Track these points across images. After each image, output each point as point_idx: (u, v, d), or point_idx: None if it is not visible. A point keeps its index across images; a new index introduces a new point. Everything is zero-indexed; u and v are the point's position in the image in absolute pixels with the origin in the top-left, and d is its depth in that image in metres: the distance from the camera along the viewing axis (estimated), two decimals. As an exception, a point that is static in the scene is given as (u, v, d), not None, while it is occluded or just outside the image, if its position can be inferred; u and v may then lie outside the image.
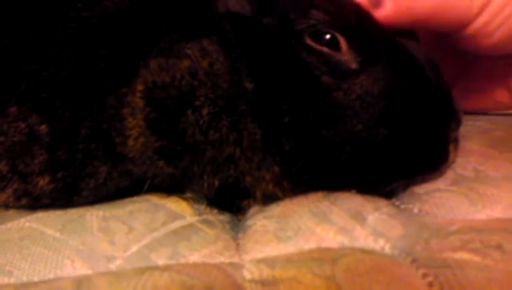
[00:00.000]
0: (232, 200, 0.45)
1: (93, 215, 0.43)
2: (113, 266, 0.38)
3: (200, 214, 0.44)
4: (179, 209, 0.44)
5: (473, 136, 0.49)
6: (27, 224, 0.43)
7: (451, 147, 0.44)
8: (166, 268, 0.37)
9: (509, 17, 0.47)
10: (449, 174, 0.44)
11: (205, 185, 0.44)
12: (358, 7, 0.45)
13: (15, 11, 0.45)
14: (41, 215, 0.44)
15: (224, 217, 0.45)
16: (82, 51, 0.44)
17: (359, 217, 0.39)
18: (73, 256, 0.39)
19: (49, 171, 0.44)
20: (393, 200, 0.43)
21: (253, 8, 0.46)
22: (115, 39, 0.44)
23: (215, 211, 0.45)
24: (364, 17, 0.45)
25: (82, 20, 0.45)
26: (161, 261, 0.38)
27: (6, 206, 0.46)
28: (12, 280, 0.38)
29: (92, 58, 0.44)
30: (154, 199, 0.45)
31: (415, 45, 0.46)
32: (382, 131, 0.42)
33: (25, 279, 0.38)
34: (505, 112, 0.60)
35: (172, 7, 0.46)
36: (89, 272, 0.38)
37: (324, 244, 0.38)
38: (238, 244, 0.41)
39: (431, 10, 0.46)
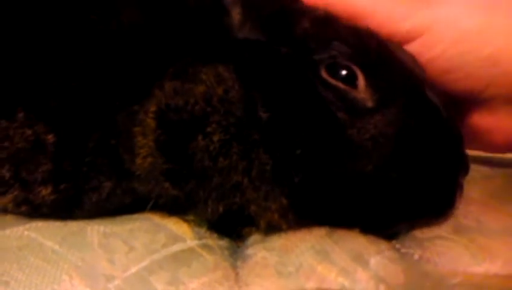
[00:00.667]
0: (234, 226, 0.45)
1: (94, 231, 0.42)
2: (111, 286, 0.38)
3: (200, 238, 0.44)
4: (179, 232, 0.44)
5: (474, 183, 0.49)
6: (26, 233, 0.42)
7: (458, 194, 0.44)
8: (167, 296, 0.37)
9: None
10: (451, 221, 0.44)
11: (209, 210, 0.44)
12: (380, 42, 0.45)
13: (29, 18, 0.45)
14: (40, 224, 0.43)
15: (224, 243, 0.45)
16: (94, 64, 0.44)
17: (361, 260, 0.40)
18: (72, 272, 0.39)
19: (52, 182, 0.44)
20: (394, 242, 0.44)
21: (269, 35, 0.46)
22: (128, 56, 0.44)
23: (215, 235, 0.45)
24: (385, 54, 0.45)
25: (96, 34, 0.44)
26: (160, 286, 0.38)
27: (5, 211, 0.45)
28: (8, 292, 0.37)
29: (104, 73, 0.44)
30: (156, 219, 0.45)
31: (432, 87, 0.46)
32: (392, 173, 0.42)
33: (21, 291, 0.37)
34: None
35: (189, 29, 0.46)
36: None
37: (325, 285, 0.38)
38: (237, 274, 0.41)
39: None
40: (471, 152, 0.47)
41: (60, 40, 0.44)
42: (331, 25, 0.46)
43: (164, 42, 0.45)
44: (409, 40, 0.50)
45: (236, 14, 0.46)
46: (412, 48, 0.50)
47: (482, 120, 0.54)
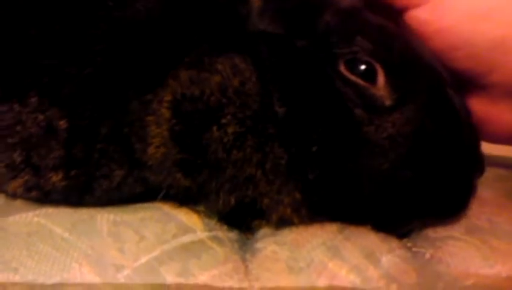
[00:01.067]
0: (244, 219, 0.45)
1: (104, 219, 0.42)
2: (121, 276, 0.38)
3: (210, 230, 0.44)
4: (190, 223, 0.43)
5: (487, 184, 0.49)
6: (35, 219, 0.42)
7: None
8: (177, 287, 0.36)
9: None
10: (463, 222, 0.44)
11: (220, 201, 0.43)
12: (405, 41, 0.44)
13: (47, 3, 0.44)
14: (50, 211, 0.43)
15: (233, 235, 0.45)
16: (109, 52, 0.43)
17: (373, 258, 0.39)
18: (82, 260, 0.39)
19: (64, 168, 0.43)
20: (405, 241, 0.43)
21: (288, 28, 0.45)
22: (144, 44, 0.44)
23: (225, 227, 0.45)
24: (409, 53, 0.44)
25: (112, 21, 0.44)
26: (170, 277, 0.38)
27: (14, 195, 0.45)
28: (18, 278, 0.37)
29: (118, 60, 0.43)
30: (166, 208, 0.44)
31: (453, 87, 0.45)
32: (407, 172, 0.41)
33: (30, 278, 0.37)
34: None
35: (205, 19, 0.45)
36: (97, 279, 0.38)
37: (336, 282, 0.38)
38: (246, 267, 0.41)
39: None
40: (485, 152, 0.47)
41: (75, 25, 0.44)
42: (356, 19, 0.45)
43: (180, 31, 0.44)
44: (420, 2, 0.48)
45: (256, 2, 0.45)
46: (421, 13, 0.48)
47: (483, 108, 0.53)
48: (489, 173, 0.50)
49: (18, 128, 0.43)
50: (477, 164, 0.44)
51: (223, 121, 0.42)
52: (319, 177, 0.42)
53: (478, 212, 0.45)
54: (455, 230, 0.44)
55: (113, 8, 0.44)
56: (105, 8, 0.44)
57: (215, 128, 0.42)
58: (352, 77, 0.42)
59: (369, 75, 0.42)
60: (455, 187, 0.43)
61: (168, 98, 0.42)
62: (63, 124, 0.43)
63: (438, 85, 0.44)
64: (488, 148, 0.50)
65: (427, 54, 0.46)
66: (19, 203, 0.44)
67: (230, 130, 0.42)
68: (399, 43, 0.44)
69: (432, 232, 0.44)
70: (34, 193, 0.44)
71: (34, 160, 0.43)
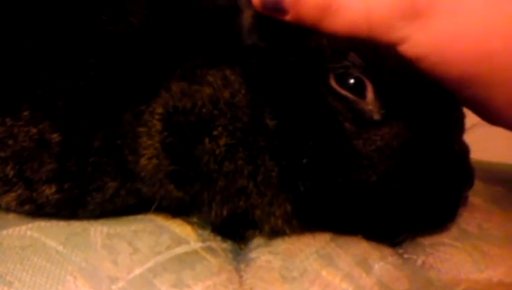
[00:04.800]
0: (237, 229, 0.45)
1: (97, 231, 0.42)
2: (115, 288, 0.38)
3: (203, 241, 0.44)
4: (183, 234, 0.44)
5: (477, 190, 0.49)
6: (29, 232, 0.42)
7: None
8: (171, 298, 0.37)
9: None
10: (453, 228, 0.45)
11: (213, 213, 0.44)
12: (400, 60, 0.43)
13: (40, 17, 0.44)
14: (43, 224, 0.43)
15: (227, 245, 0.45)
16: (102, 64, 0.44)
17: (365, 265, 0.40)
18: (76, 273, 0.39)
19: (57, 181, 0.43)
20: (397, 247, 0.44)
21: (279, 42, 0.45)
22: (137, 56, 0.44)
23: (218, 237, 0.45)
24: (402, 70, 0.43)
25: (105, 34, 0.44)
26: (164, 288, 0.38)
27: (7, 209, 0.45)
28: (12, 292, 0.37)
29: (112, 73, 0.44)
30: (159, 220, 0.45)
31: (445, 101, 0.45)
32: (396, 185, 0.42)
33: (25, 291, 0.37)
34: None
35: (198, 31, 0.45)
36: (91, 292, 0.38)
37: (329, 290, 0.38)
38: (241, 277, 0.41)
39: None
40: (473, 157, 0.47)
41: (69, 39, 0.44)
42: (350, 37, 0.45)
43: (173, 43, 0.45)
44: (398, 41, 0.46)
45: (248, 17, 0.45)
46: (405, 50, 0.46)
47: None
48: (477, 179, 0.51)
49: (10, 142, 0.43)
50: (468, 177, 0.44)
51: (215, 133, 0.42)
52: (310, 189, 0.42)
53: (468, 218, 0.46)
54: (446, 236, 0.44)
55: (107, 22, 0.44)
56: (99, 21, 0.44)
57: (207, 140, 0.42)
58: (342, 91, 0.43)
59: (359, 90, 0.43)
60: (444, 200, 0.43)
61: (159, 110, 0.43)
62: (55, 137, 0.43)
63: (430, 102, 0.44)
64: (476, 154, 0.50)
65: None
66: (12, 216, 0.44)
67: (221, 142, 0.42)
68: (391, 61, 0.44)
69: (423, 239, 0.44)
70: (27, 207, 0.44)
71: (26, 174, 0.44)
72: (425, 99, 0.44)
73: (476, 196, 0.49)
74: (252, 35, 0.45)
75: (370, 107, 0.43)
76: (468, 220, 0.46)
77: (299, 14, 0.44)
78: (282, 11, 0.44)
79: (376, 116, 0.43)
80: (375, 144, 0.42)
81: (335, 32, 0.44)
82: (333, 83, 0.43)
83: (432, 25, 0.43)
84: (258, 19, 0.45)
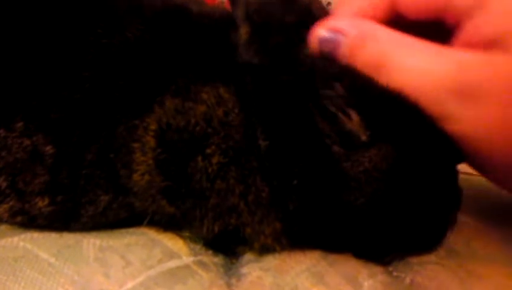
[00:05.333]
0: (228, 245, 0.45)
1: (90, 244, 0.43)
2: (107, 302, 0.38)
3: (195, 255, 0.44)
4: (175, 248, 0.44)
5: (466, 204, 0.49)
6: (21, 243, 0.42)
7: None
8: (163, 314, 0.37)
9: None
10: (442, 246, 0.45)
11: (204, 229, 0.44)
12: (386, 90, 0.43)
13: (35, 29, 0.45)
14: (36, 235, 0.43)
15: (218, 260, 0.45)
16: (97, 77, 0.44)
17: (355, 283, 0.40)
18: (68, 286, 0.39)
19: (49, 193, 0.44)
20: (387, 265, 0.44)
21: (274, 60, 0.46)
22: (131, 70, 0.44)
23: (210, 252, 0.46)
24: (388, 99, 0.43)
25: (100, 47, 0.44)
26: (156, 302, 0.39)
27: (0, 220, 0.45)
28: (4, 304, 0.37)
29: (106, 86, 0.44)
30: (151, 233, 0.45)
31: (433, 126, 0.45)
32: (384, 207, 0.42)
33: (16, 303, 0.38)
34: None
35: (193, 47, 0.46)
36: (83, 305, 0.38)
37: (319, 308, 0.39)
38: (232, 293, 0.41)
39: None
40: (462, 171, 0.47)
41: (64, 51, 0.44)
42: (339, 64, 0.45)
43: (168, 58, 0.45)
44: None
45: (243, 34, 0.46)
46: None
47: None
48: (468, 194, 0.52)
49: (3, 153, 0.43)
50: (456, 200, 0.45)
51: (208, 151, 0.42)
52: (299, 209, 0.42)
53: (456, 235, 0.46)
54: (434, 255, 0.45)
55: (102, 35, 0.45)
56: (94, 34, 0.45)
57: (199, 158, 0.42)
58: (332, 109, 0.43)
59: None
60: (433, 222, 0.44)
61: (153, 126, 0.43)
62: (49, 149, 0.43)
63: (416, 125, 0.44)
64: (466, 167, 0.50)
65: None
66: (4, 227, 0.45)
67: (214, 160, 0.42)
68: (377, 91, 0.43)
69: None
70: (19, 218, 0.44)
71: (19, 185, 0.44)
72: (413, 123, 0.44)
73: (465, 212, 0.50)
74: (247, 52, 0.46)
75: (356, 127, 0.43)
76: (456, 239, 0.46)
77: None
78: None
79: (363, 137, 0.43)
80: (363, 166, 0.42)
81: None
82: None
83: (483, 109, 0.42)
84: (254, 35, 0.46)
